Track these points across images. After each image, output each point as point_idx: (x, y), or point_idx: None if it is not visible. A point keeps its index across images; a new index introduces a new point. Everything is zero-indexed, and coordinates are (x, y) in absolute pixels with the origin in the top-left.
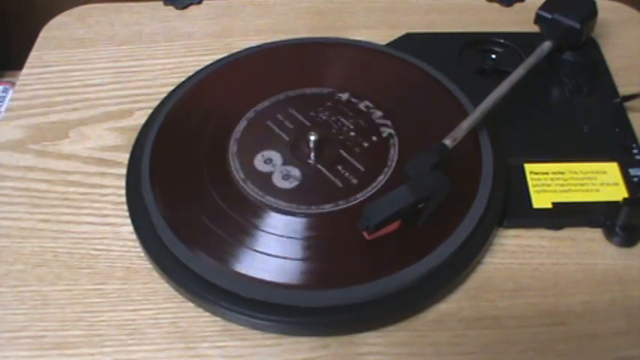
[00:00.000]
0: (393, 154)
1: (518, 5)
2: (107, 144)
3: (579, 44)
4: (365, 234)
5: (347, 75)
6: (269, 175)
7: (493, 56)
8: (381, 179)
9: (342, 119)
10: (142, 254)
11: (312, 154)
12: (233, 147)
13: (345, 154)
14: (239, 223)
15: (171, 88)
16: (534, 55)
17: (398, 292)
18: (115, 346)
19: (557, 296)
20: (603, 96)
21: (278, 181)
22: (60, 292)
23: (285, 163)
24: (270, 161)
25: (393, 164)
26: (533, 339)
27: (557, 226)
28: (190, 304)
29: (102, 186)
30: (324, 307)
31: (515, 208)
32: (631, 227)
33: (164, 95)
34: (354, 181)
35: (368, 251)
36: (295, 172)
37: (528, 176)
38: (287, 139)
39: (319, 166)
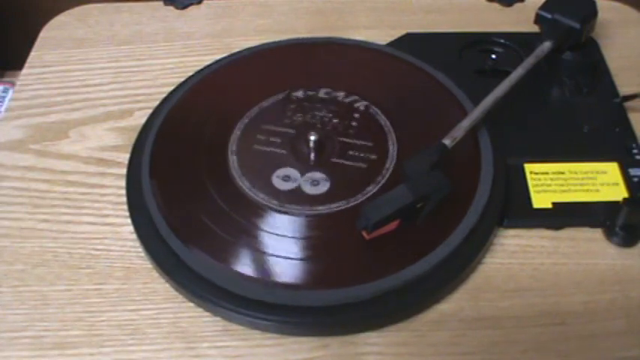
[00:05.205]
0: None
1: (518, 5)
2: (107, 144)
3: (579, 44)
4: (364, 233)
5: (347, 75)
6: (299, 188)
7: (493, 56)
8: (392, 148)
9: (317, 113)
10: (142, 254)
11: (314, 155)
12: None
13: (346, 140)
14: (239, 222)
15: (172, 88)
16: (534, 55)
17: (398, 292)
18: (115, 346)
19: (557, 296)
20: (603, 96)
21: (309, 189)
22: (60, 292)
23: (304, 172)
24: (288, 178)
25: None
26: (533, 339)
27: (557, 226)
28: (190, 304)
29: (102, 186)
30: (324, 307)
31: (515, 208)
32: (631, 227)
33: (164, 95)
34: (373, 156)
35: (368, 251)
36: (319, 175)
37: (528, 176)
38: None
39: (334, 159)
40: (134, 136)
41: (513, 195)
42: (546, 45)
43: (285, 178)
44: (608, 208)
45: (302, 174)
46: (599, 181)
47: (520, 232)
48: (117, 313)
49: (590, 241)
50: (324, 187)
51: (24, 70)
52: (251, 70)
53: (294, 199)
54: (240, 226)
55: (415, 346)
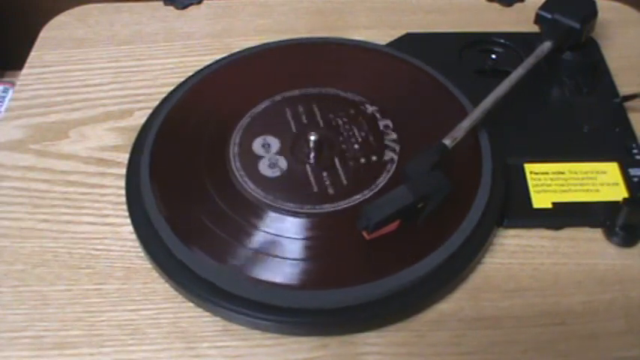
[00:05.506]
0: (382, 179)
1: (518, 5)
2: (107, 144)
3: (579, 44)
4: (364, 233)
5: (347, 75)
6: (258, 158)
7: (493, 56)
8: (357, 198)
9: (355, 130)
10: (142, 254)
11: (309, 154)
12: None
13: (336, 164)
14: (239, 223)
15: (172, 88)
16: (534, 55)
17: (398, 292)
18: (115, 346)
19: (557, 296)
20: (603, 96)
21: (263, 167)
22: (60, 292)
23: (278, 152)
24: (268, 146)
25: (377, 189)
26: (533, 339)
27: (557, 226)
28: (190, 304)
29: (102, 186)
30: (324, 308)
31: (515, 208)
32: (631, 227)
33: (164, 95)
34: (330, 191)
35: (368, 251)
36: (283, 163)
37: (528, 176)
38: (294, 131)
39: (307, 166)
40: (134, 136)
41: (513, 195)
42: (546, 45)
43: (264, 145)
44: (608, 208)
45: (276, 152)
46: (599, 181)
47: (520, 232)
48: (117, 313)
49: (590, 241)
50: (273, 174)
51: (24, 70)
52: (251, 70)
53: (247, 167)
54: (240, 226)
55: (415, 346)
